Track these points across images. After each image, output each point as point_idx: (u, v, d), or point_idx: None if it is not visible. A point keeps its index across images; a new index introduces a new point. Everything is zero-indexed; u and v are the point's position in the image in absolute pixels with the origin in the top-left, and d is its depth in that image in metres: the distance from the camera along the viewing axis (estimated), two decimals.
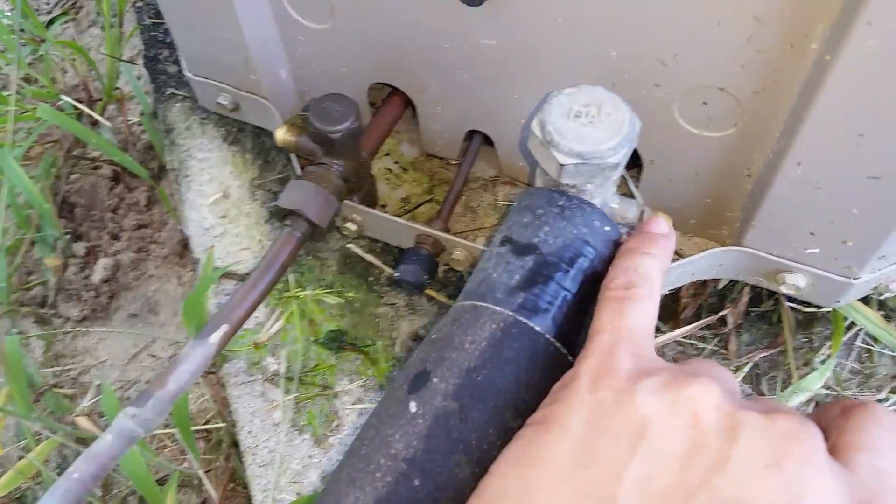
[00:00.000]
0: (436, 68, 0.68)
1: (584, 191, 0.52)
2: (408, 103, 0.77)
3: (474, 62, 0.65)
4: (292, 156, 0.75)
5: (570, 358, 0.47)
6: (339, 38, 0.70)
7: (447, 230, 0.74)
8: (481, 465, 0.41)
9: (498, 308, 0.47)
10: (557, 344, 0.46)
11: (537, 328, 0.46)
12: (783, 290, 0.67)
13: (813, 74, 0.51)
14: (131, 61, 1.23)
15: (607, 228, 0.50)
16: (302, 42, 0.72)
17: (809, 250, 0.63)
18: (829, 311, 0.79)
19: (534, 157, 0.52)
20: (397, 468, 0.41)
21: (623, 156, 0.50)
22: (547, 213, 0.51)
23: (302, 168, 0.74)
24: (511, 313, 0.46)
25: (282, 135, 0.71)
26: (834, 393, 0.76)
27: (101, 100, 1.24)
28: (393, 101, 0.76)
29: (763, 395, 0.77)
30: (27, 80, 1.31)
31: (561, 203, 0.51)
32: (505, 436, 0.42)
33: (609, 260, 0.50)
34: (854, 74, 0.48)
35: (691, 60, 0.56)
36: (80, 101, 1.22)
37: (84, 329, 1.06)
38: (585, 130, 0.50)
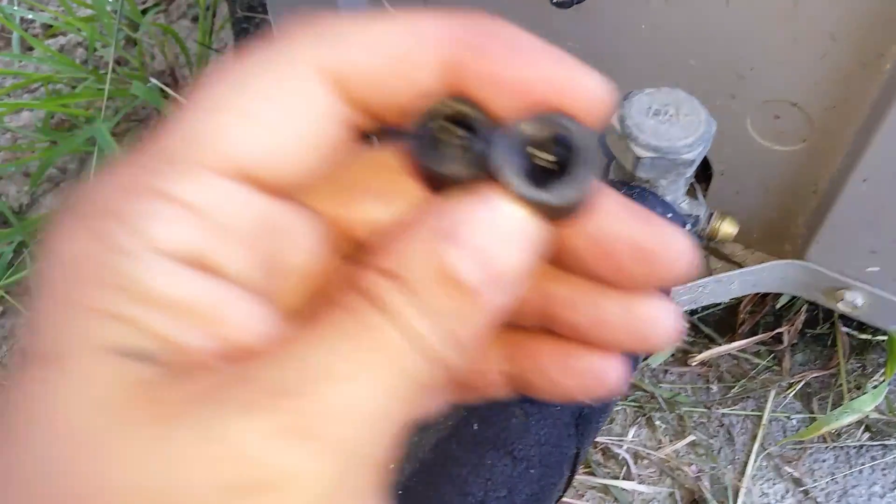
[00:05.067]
0: None
1: (657, 186, 0.55)
2: None
3: None
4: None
5: None
6: None
7: None
8: None
9: None
10: None
11: None
12: (841, 307, 0.68)
13: (884, 93, 0.53)
14: (219, 50, 1.29)
15: (669, 216, 0.53)
16: None
17: (870, 268, 0.64)
18: (883, 340, 0.80)
19: (611, 151, 0.55)
20: None
21: (698, 154, 0.53)
22: None
23: None
24: None
25: None
26: (885, 418, 0.77)
27: (186, 85, 1.30)
28: None
29: (813, 413, 0.78)
30: (119, 62, 1.37)
31: (623, 191, 0.54)
32: None
33: None
34: None
35: (767, 74, 0.58)
36: (167, 86, 1.28)
37: None
38: (663, 128, 0.53)
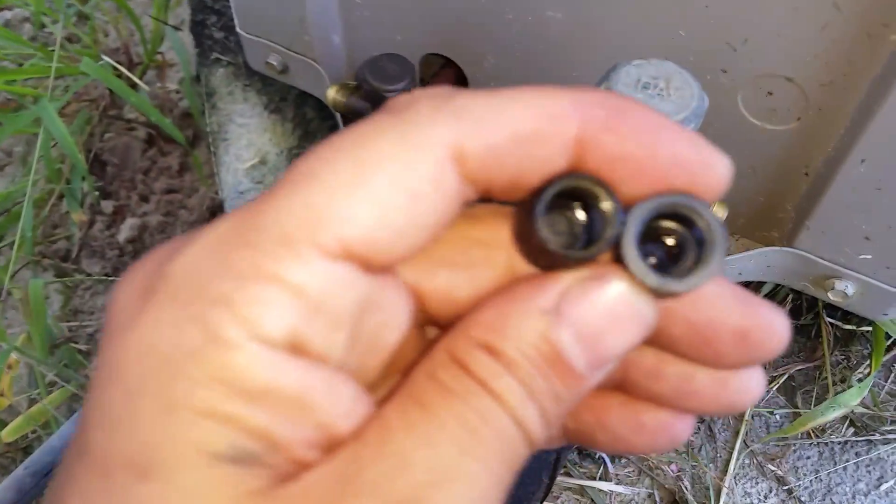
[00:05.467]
0: (495, 41, 0.66)
1: None
2: (458, 81, 0.76)
3: (536, 36, 0.64)
4: (338, 116, 0.75)
5: None
6: (398, 2, 0.69)
7: None
8: None
9: None
10: None
11: None
12: (830, 297, 0.65)
13: (888, 67, 0.50)
14: (176, 27, 1.23)
15: None
16: (359, 5, 0.72)
17: (862, 256, 0.61)
18: (868, 331, 0.77)
19: None
20: None
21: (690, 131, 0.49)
22: None
23: None
24: None
25: (332, 94, 0.70)
26: (870, 412, 0.74)
27: (140, 64, 1.24)
28: (444, 75, 0.75)
29: (797, 407, 0.75)
30: (70, 39, 1.30)
31: None
32: None
33: None
34: None
35: (762, 47, 0.54)
36: (121, 64, 1.22)
37: (104, 286, 1.05)
38: (653, 102, 0.49)
